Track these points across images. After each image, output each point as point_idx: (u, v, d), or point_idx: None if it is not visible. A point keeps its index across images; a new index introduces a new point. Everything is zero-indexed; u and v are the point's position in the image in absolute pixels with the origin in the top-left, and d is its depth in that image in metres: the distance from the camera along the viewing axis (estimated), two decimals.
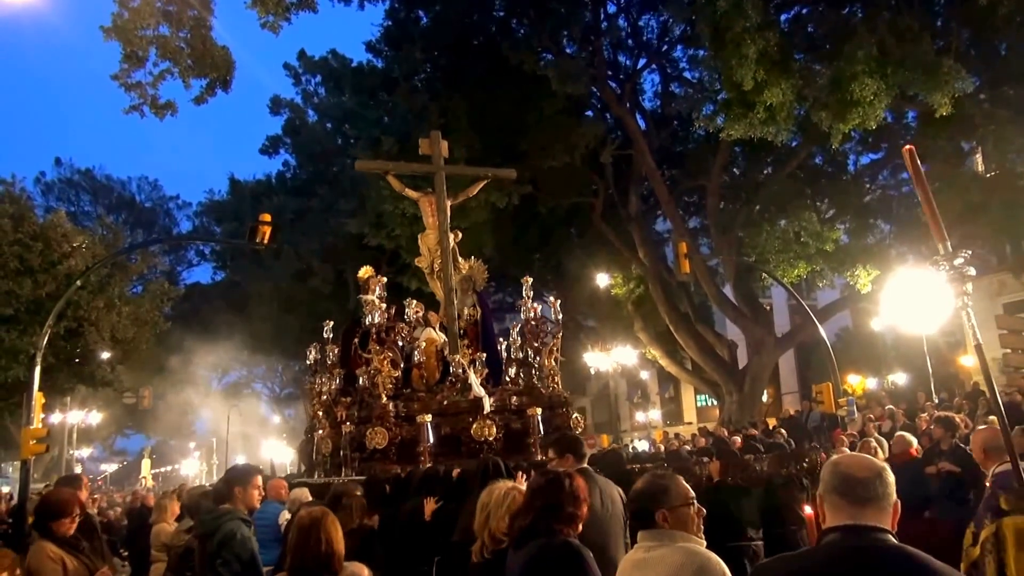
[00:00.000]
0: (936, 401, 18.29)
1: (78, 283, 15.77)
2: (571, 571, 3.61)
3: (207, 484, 16.73)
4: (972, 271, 4.58)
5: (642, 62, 28.21)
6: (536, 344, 12.46)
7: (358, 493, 6.82)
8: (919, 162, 4.80)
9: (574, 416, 12.10)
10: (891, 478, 2.47)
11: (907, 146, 4.99)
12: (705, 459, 10.53)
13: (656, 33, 27.71)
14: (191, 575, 6.05)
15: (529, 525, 3.79)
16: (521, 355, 12.58)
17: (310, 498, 7.98)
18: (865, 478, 2.43)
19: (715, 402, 32.57)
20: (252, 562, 5.09)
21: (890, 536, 2.35)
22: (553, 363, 12.59)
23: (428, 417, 10.97)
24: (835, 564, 2.30)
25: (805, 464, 9.46)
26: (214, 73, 15.31)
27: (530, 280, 13.17)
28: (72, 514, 5.67)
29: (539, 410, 11.39)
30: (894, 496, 2.45)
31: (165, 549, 8.21)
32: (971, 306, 4.40)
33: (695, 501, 3.33)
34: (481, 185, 15.14)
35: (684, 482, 3.38)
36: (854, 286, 23.28)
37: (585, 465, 5.54)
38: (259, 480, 5.67)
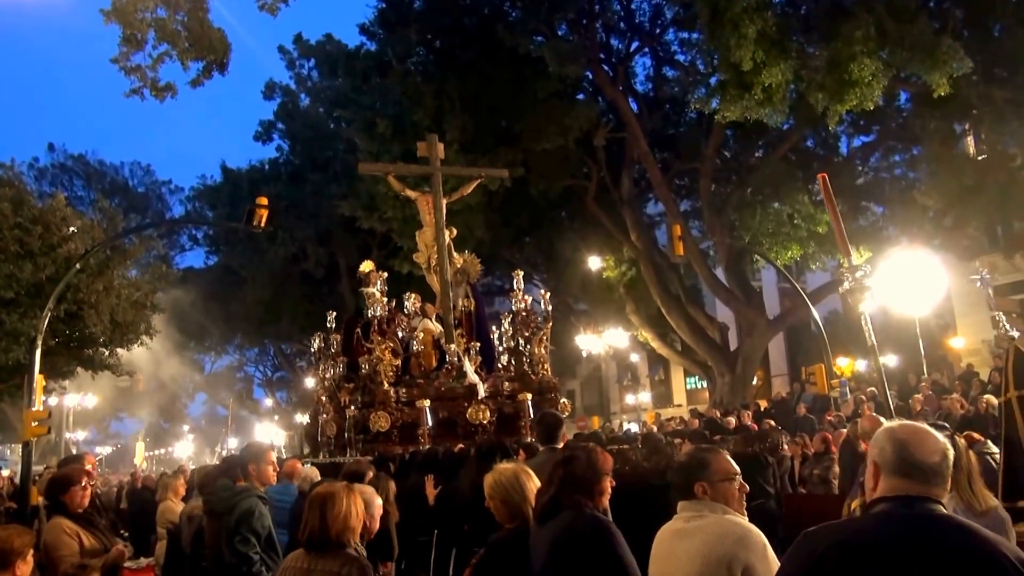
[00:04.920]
0: (929, 381, 18.37)
1: (78, 266, 15.82)
2: (600, 546, 3.54)
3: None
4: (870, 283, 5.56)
5: (634, 45, 28.18)
6: (527, 333, 13.05)
7: (371, 473, 6.93)
8: (831, 188, 5.26)
9: (562, 401, 12.79)
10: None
11: (820, 173, 5.44)
12: (677, 440, 11.19)
13: (648, 16, 27.72)
14: (208, 552, 6.13)
15: (551, 499, 3.71)
16: (513, 344, 13.19)
17: (319, 477, 8.08)
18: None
19: (704, 384, 32.79)
20: (269, 538, 5.16)
21: (940, 506, 2.30)
22: (543, 351, 13.24)
23: (426, 402, 11.76)
24: (887, 533, 2.24)
25: (768, 443, 10.17)
26: (211, 55, 15.21)
27: (521, 273, 13.86)
28: (80, 481, 5.67)
29: (530, 395, 12.17)
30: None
31: (171, 526, 8.31)
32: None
33: (738, 477, 3.33)
34: (475, 184, 15.91)
35: (729, 458, 3.39)
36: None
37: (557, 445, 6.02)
38: (273, 456, 5.77)
